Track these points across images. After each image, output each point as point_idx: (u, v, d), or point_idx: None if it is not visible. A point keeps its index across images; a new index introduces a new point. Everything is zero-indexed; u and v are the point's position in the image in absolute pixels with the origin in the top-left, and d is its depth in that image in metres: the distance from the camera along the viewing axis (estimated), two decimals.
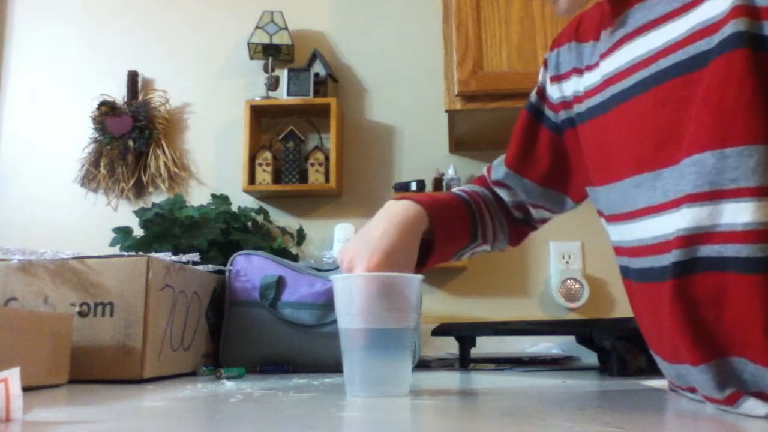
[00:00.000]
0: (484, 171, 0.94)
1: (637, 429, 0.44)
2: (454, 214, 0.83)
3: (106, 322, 0.87)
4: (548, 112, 0.82)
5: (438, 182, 1.83)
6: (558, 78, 0.78)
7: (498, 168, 0.89)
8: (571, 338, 1.28)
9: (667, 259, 0.55)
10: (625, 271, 0.66)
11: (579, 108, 0.73)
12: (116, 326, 0.87)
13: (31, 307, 0.89)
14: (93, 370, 0.86)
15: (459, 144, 1.88)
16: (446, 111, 1.58)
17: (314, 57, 1.93)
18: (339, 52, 2.01)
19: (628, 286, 0.67)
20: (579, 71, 0.73)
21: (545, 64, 0.82)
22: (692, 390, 0.58)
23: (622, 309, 1.77)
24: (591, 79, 0.70)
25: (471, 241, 0.85)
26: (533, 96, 0.85)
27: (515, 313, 1.81)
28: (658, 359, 0.63)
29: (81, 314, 0.88)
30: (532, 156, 0.84)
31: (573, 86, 0.75)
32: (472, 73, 1.52)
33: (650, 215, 0.59)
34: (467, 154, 1.90)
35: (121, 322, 0.87)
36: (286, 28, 1.90)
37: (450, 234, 0.81)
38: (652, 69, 0.59)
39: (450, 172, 1.81)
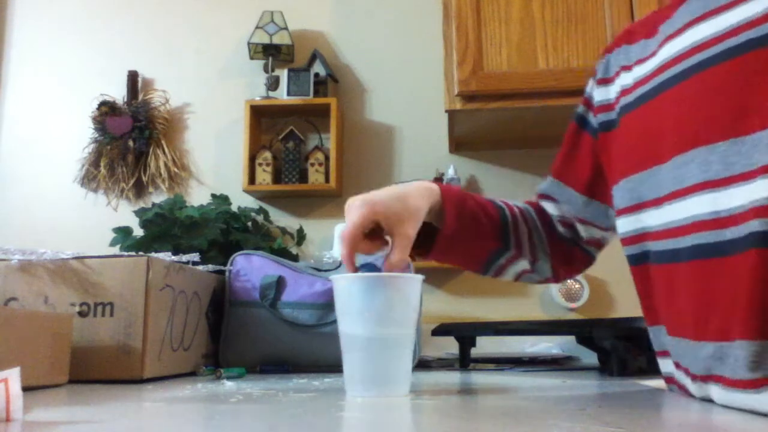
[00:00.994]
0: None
1: (637, 429, 0.44)
2: (476, 205, 0.81)
3: (106, 322, 0.87)
4: (591, 118, 0.82)
5: (438, 182, 1.82)
6: (605, 80, 0.78)
7: (544, 181, 0.89)
8: (571, 338, 1.28)
9: (737, 231, 0.55)
10: (659, 256, 0.65)
11: (625, 100, 0.72)
12: (116, 326, 0.87)
13: (31, 307, 0.89)
14: (93, 370, 0.86)
15: (459, 144, 1.88)
16: (446, 111, 1.59)
17: (314, 57, 1.93)
18: (339, 52, 2.01)
19: (654, 271, 0.66)
20: (627, 68, 0.74)
21: (594, 72, 0.82)
22: (706, 379, 0.58)
23: (622, 309, 1.77)
24: (642, 69, 0.70)
25: (500, 246, 0.83)
26: (579, 106, 0.84)
27: (515, 313, 1.81)
28: (683, 343, 0.62)
29: (81, 314, 0.88)
30: (574, 163, 0.84)
31: (620, 83, 0.74)
32: (472, 73, 1.52)
33: (708, 189, 0.58)
34: (467, 154, 1.90)
35: (121, 322, 0.87)
36: (286, 28, 1.90)
37: (468, 223, 0.79)
38: (718, 48, 0.59)
39: (450, 172, 1.81)
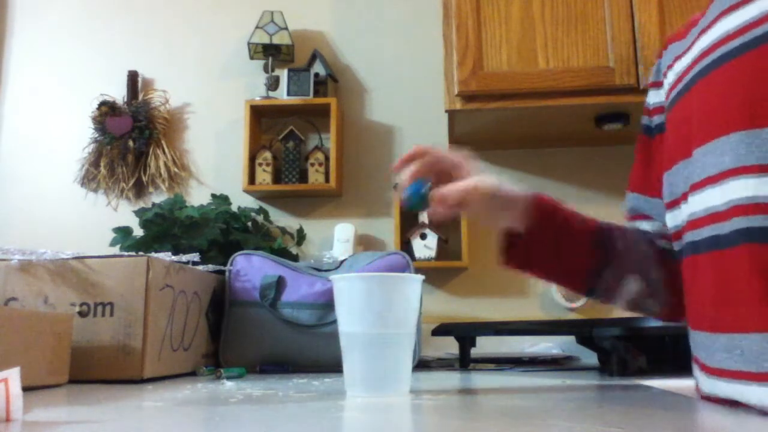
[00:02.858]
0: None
1: (637, 429, 0.44)
2: (569, 212, 0.78)
3: (106, 322, 0.87)
4: (651, 123, 0.80)
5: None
6: (656, 84, 0.78)
7: (625, 202, 0.85)
8: (571, 338, 1.28)
9: (736, 224, 0.55)
10: (684, 248, 0.66)
11: (672, 96, 0.72)
12: (116, 326, 0.87)
13: (31, 307, 0.89)
14: (93, 370, 0.86)
15: (459, 144, 1.88)
16: (446, 111, 1.58)
17: (314, 57, 1.93)
18: (339, 52, 2.01)
19: (692, 263, 0.66)
20: (671, 66, 0.74)
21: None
22: (716, 373, 0.58)
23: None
24: (681, 65, 0.70)
25: (599, 256, 0.77)
26: (643, 118, 0.82)
27: (515, 313, 1.80)
28: (702, 336, 0.62)
29: (81, 314, 0.88)
30: (650, 172, 0.80)
31: (667, 83, 0.75)
32: (472, 73, 1.52)
33: (731, 177, 0.58)
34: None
35: (121, 322, 0.87)
36: (286, 28, 1.90)
37: (557, 224, 0.76)
38: (747, 37, 0.59)
39: None
